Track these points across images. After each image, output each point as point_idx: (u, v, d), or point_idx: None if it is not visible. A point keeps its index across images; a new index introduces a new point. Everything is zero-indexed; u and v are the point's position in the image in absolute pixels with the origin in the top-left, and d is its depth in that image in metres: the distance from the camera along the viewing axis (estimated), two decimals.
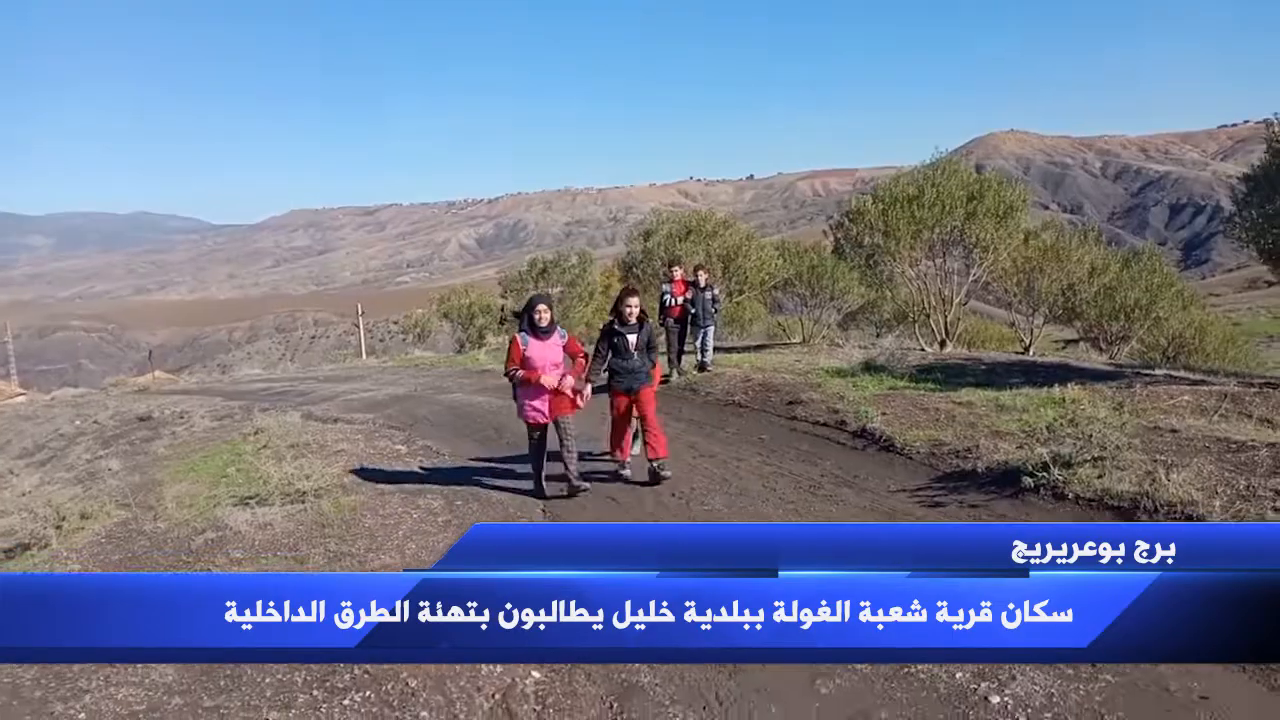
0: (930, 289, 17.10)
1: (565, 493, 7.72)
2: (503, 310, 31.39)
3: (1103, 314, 22.29)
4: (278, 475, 8.35)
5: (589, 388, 7.72)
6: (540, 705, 4.06)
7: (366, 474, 8.82)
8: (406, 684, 4.18)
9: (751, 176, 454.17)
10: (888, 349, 14.23)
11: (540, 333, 7.39)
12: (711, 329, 14.53)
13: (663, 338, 13.50)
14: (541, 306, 7.44)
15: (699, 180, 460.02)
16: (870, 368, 12.63)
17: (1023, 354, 17.71)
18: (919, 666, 4.18)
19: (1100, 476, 6.34)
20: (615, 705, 4.02)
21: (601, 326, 8.19)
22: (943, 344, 16.97)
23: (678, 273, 14.33)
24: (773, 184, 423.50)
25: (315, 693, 4.12)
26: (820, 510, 6.98)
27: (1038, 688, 3.94)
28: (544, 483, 7.89)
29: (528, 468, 9.21)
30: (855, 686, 4.08)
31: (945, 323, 17.21)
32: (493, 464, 9.49)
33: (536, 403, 7.50)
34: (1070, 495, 6.37)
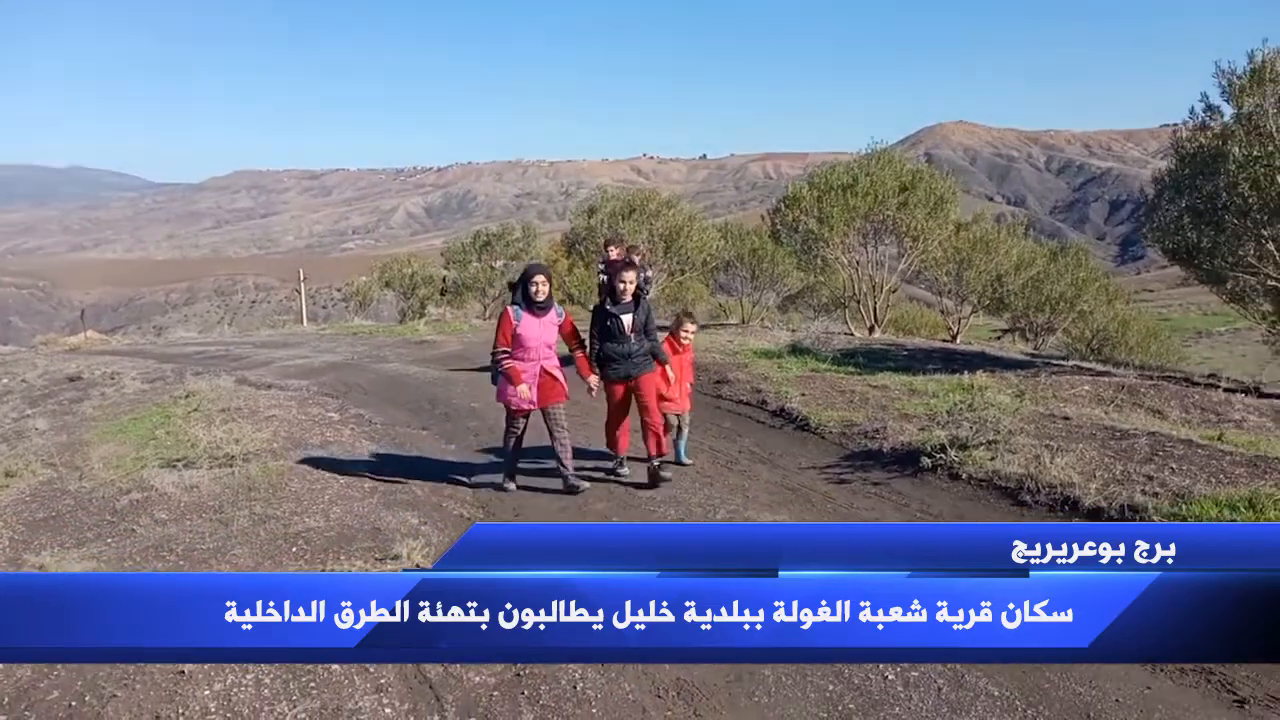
0: (863, 275, 17.56)
1: (563, 489, 7.02)
2: (444, 281, 31.32)
3: (1029, 305, 23.09)
4: (206, 439, 8.45)
5: (595, 378, 7.09)
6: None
7: (296, 440, 8.93)
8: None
9: (704, 156, 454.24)
10: (814, 332, 14.64)
11: (536, 308, 6.65)
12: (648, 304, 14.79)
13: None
14: (539, 277, 6.67)
15: (652, 157, 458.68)
16: (797, 350, 13.02)
17: (948, 342, 18.31)
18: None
19: (992, 459, 6.78)
20: (520, 664, 4.28)
21: (593, 307, 7.32)
22: (872, 329, 17.48)
23: (613, 252, 14.47)
24: (725, 165, 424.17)
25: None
26: (734, 484, 7.31)
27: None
28: (513, 478, 7.18)
29: (459, 438, 9.46)
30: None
31: (875, 309, 17.71)
32: (423, 433, 9.67)
33: (523, 387, 6.78)
34: (964, 475, 6.79)
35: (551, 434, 7.00)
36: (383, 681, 4.01)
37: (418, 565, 5.44)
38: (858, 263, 17.47)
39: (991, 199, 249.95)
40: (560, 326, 6.87)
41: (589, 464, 7.89)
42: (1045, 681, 3.95)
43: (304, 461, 8.02)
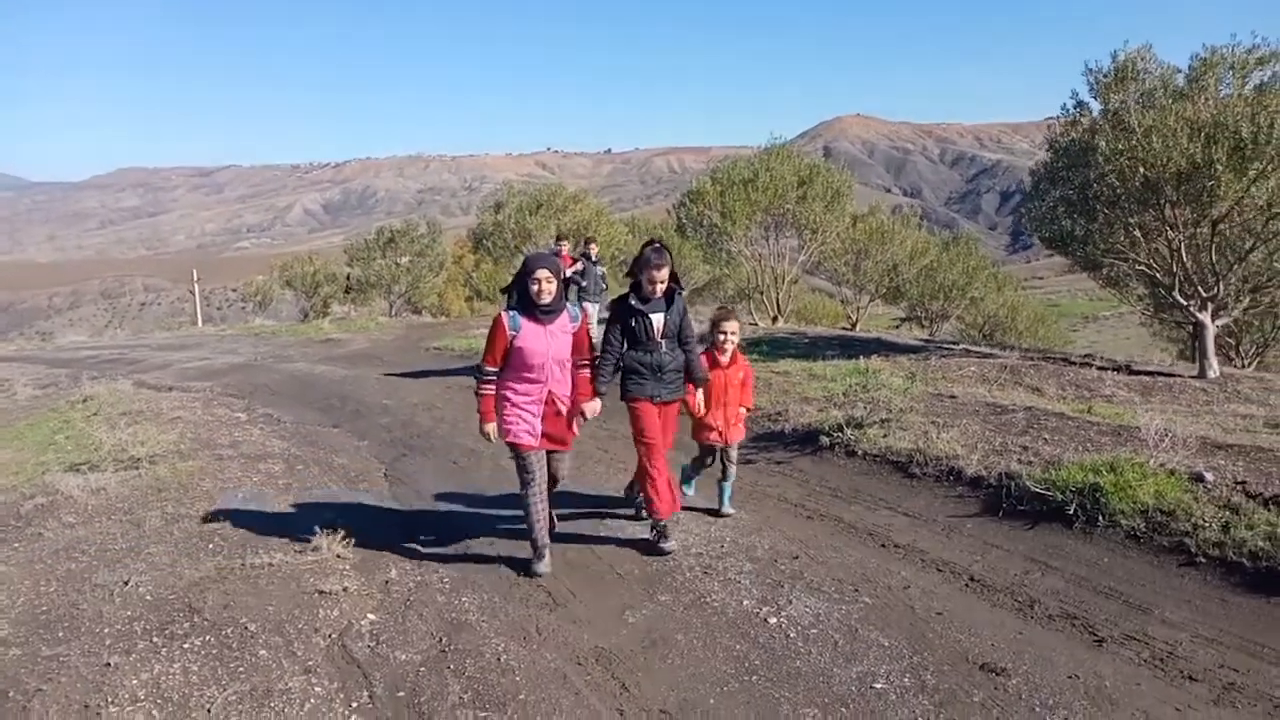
0: (765, 267, 18.08)
1: (527, 568, 5.29)
2: (348, 279, 30.85)
3: (924, 293, 24.08)
4: (110, 441, 8.33)
5: (598, 403, 5.38)
6: (375, 642, 4.45)
7: (204, 441, 8.85)
8: (246, 628, 4.49)
9: (609, 150, 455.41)
10: None
11: (540, 313, 5.03)
12: (598, 306, 13.77)
13: None
14: (543, 273, 5.00)
15: (557, 152, 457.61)
16: (703, 340, 13.36)
17: (848, 330, 19.00)
18: (713, 597, 4.82)
19: (885, 436, 7.23)
20: (444, 639, 4.46)
21: (611, 303, 5.65)
22: (775, 319, 18.01)
23: (565, 246, 14.19)
24: (630, 159, 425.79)
25: (155, 639, 4.38)
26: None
27: (807, 609, 4.64)
28: (543, 554, 5.29)
29: (371, 434, 9.49)
30: (658, 614, 4.67)
31: (778, 299, 18.26)
32: (334, 431, 9.68)
33: (525, 414, 5.13)
34: (859, 452, 7.22)
35: (552, 482, 5.51)
36: (310, 663, 4.15)
37: (338, 556, 5.56)
38: (760, 255, 17.97)
39: (889, 190, 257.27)
40: (575, 335, 5.23)
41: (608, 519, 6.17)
42: (930, 632, 4.33)
43: (214, 461, 7.98)
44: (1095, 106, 11.71)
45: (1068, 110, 12.04)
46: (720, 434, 6.06)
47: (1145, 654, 4.05)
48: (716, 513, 6.23)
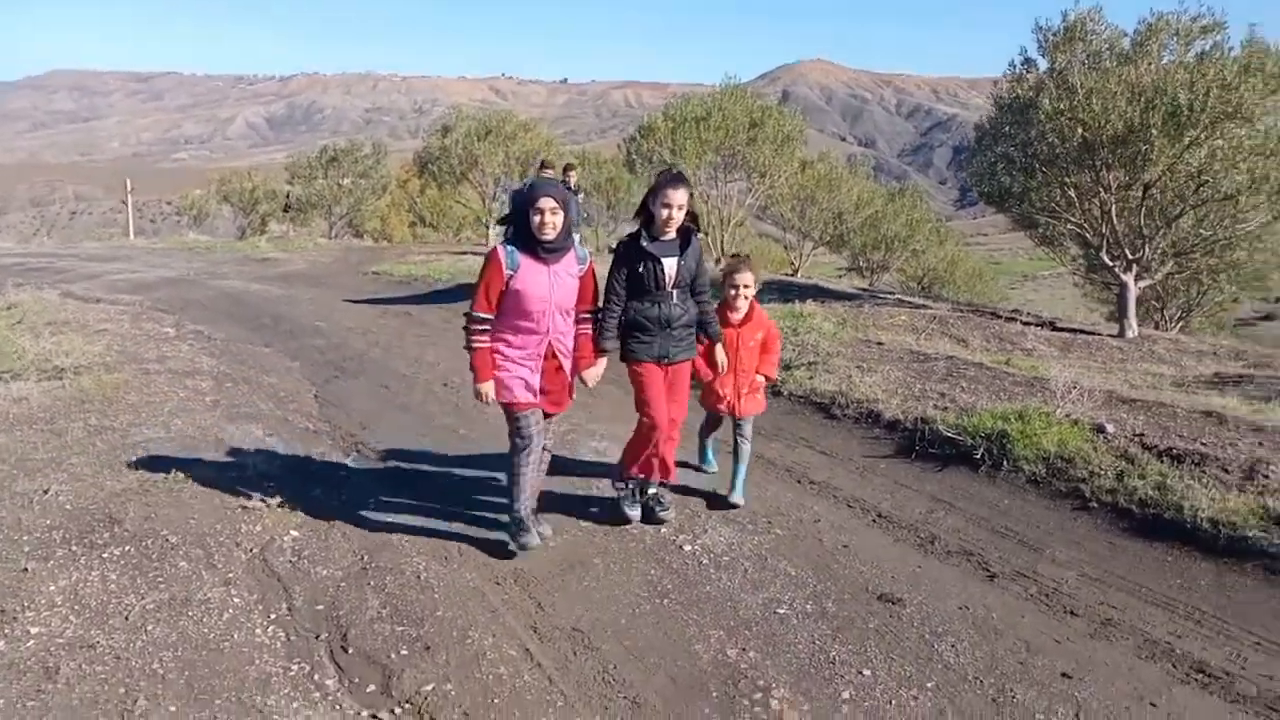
0: (713, 209, 18.12)
1: (512, 540, 4.59)
2: (288, 198, 30.17)
3: (866, 243, 24.36)
4: (34, 350, 8.18)
5: (602, 365, 4.72)
6: (296, 557, 4.52)
7: (131, 354, 8.72)
8: (166, 540, 4.52)
9: (566, 80, 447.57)
10: None
11: (543, 251, 4.29)
12: (578, 237, 13.96)
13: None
14: (547, 202, 4.22)
15: (512, 78, 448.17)
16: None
17: (791, 275, 19.20)
18: (632, 525, 4.97)
19: (811, 378, 7.44)
20: (366, 556, 4.55)
21: (617, 244, 4.98)
22: (719, 261, 18.11)
23: (550, 173, 13.22)
24: (586, 90, 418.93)
25: (74, 547, 4.39)
26: (580, 399, 7.66)
27: (721, 538, 4.81)
28: (529, 528, 4.56)
29: (304, 355, 9.43)
30: (578, 540, 4.80)
31: (723, 241, 18.35)
32: (266, 350, 9.59)
33: (523, 371, 4.42)
34: (785, 393, 7.41)
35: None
36: (230, 575, 4.21)
37: (263, 474, 5.58)
38: (708, 196, 17.99)
39: (844, 139, 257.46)
40: (581, 279, 4.51)
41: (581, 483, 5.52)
42: (835, 563, 4.54)
43: (140, 375, 7.87)
44: (1042, 64, 11.89)
45: (1015, 67, 12.20)
46: (729, 404, 5.25)
47: (1033, 589, 4.30)
48: (724, 501, 5.26)
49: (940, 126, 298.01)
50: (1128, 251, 11.53)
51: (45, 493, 5.01)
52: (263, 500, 5.11)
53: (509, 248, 4.32)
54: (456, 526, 4.91)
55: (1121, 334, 11.26)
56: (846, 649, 3.75)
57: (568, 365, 4.55)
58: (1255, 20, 10.96)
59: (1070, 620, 4.03)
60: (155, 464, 5.59)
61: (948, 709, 3.37)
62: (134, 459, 5.66)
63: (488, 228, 25.96)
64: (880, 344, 8.64)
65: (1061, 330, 11.20)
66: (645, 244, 4.57)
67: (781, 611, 4.06)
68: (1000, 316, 11.50)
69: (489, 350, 4.37)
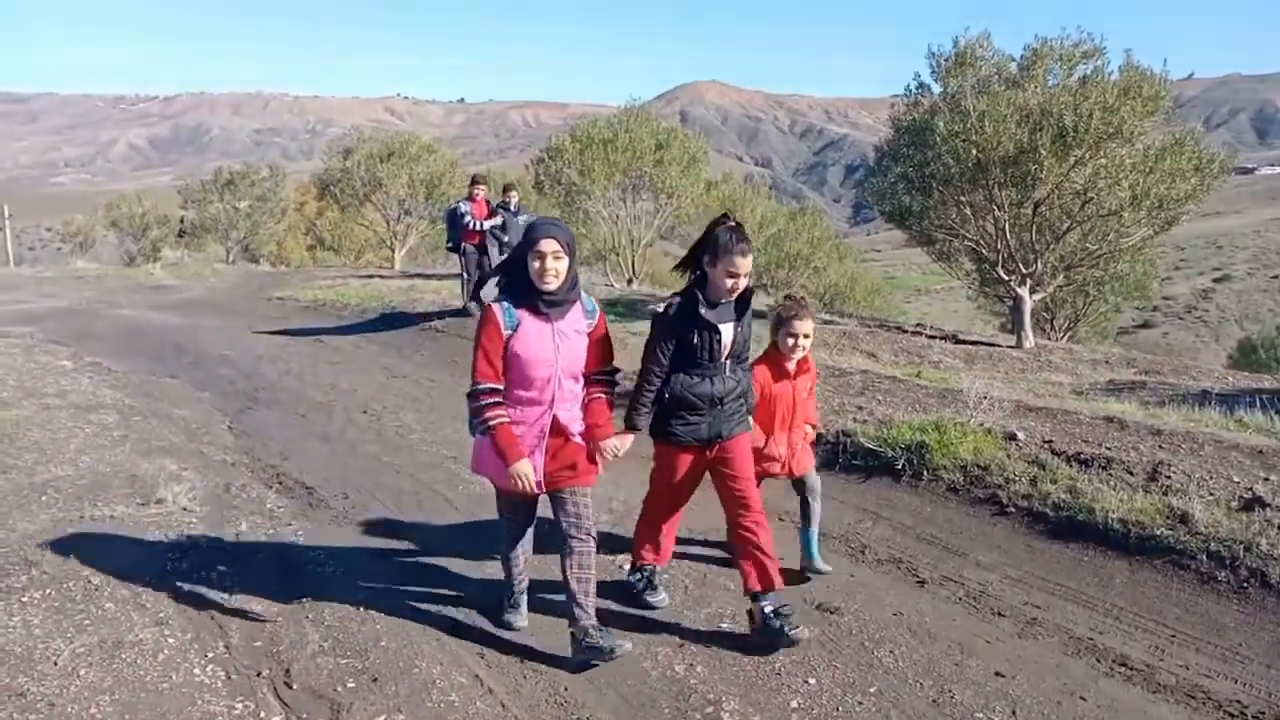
0: (622, 229, 18.28)
1: (576, 647, 3.76)
2: (182, 222, 29.15)
3: (770, 261, 24.91)
4: None
5: (629, 439, 3.95)
6: (229, 594, 4.38)
7: (28, 389, 8.33)
8: (89, 581, 4.34)
9: (463, 100, 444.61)
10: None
11: (543, 304, 3.60)
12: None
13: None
14: (550, 244, 3.51)
15: (407, 98, 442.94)
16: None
17: None
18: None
19: None
20: (302, 589, 4.44)
21: (663, 305, 4.06)
22: (630, 281, 18.28)
23: (480, 191, 12.50)
24: (484, 110, 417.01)
25: None
26: None
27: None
28: (516, 607, 4.15)
29: (212, 385, 9.14)
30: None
31: (634, 261, 18.51)
32: (171, 381, 9.28)
33: (520, 448, 3.69)
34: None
35: (567, 539, 3.80)
36: (161, 615, 4.06)
37: (184, 509, 5.41)
38: (617, 216, 18.14)
39: (741, 159, 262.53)
40: (591, 336, 3.78)
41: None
42: None
43: (41, 411, 7.52)
44: (936, 89, 12.44)
45: (910, 91, 12.73)
46: (784, 464, 4.60)
47: (960, 593, 4.49)
48: (810, 569, 4.69)
49: (833, 146, 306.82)
50: (1021, 266, 12.11)
51: None
52: (186, 537, 4.95)
53: (505, 304, 3.58)
54: (394, 557, 4.86)
55: (1019, 345, 11.82)
56: (791, 659, 3.85)
57: (577, 437, 3.77)
58: (1129, 46, 11.73)
59: (998, 621, 4.23)
60: (67, 503, 5.36)
61: (891, 712, 3.49)
62: (44, 498, 5.41)
63: (392, 250, 25.57)
64: None
65: (964, 343, 11.69)
66: (703, 311, 3.85)
67: (725, 626, 4.15)
68: (905, 330, 11.94)
69: (508, 425, 3.61)
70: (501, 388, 3.63)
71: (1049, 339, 16.33)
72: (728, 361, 3.99)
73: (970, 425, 6.21)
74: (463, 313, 12.33)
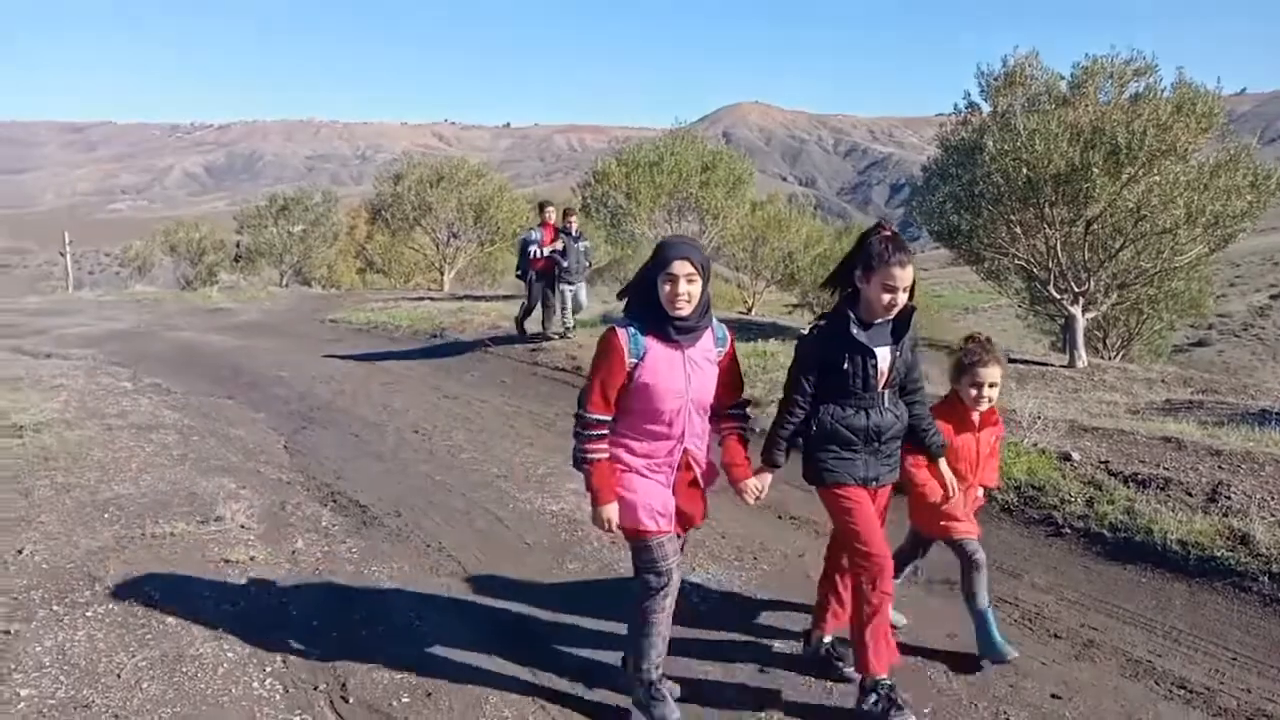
0: None
1: (642, 713, 3.50)
2: (238, 247, 29.86)
3: (817, 280, 24.77)
4: None
5: (767, 477, 3.63)
6: (285, 608, 4.47)
7: (91, 410, 8.56)
8: (150, 596, 4.45)
9: (509, 125, 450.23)
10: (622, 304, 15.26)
11: (674, 330, 3.27)
12: (584, 286, 12.52)
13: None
14: (682, 266, 3.20)
15: (454, 124, 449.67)
16: (607, 320, 13.57)
17: (745, 314, 19.47)
18: (620, 565, 5.01)
19: None
20: (357, 604, 4.51)
21: (808, 327, 3.67)
22: None
23: (550, 214, 12.13)
24: (529, 134, 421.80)
25: (56, 607, 4.29)
26: (552, 444, 7.72)
27: (710, 576, 4.87)
28: (666, 689, 3.55)
29: (267, 406, 9.33)
30: (567, 582, 4.82)
31: None
32: (229, 402, 9.47)
33: (653, 487, 3.39)
34: (758, 429, 7.49)
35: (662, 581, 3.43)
36: (221, 630, 4.15)
37: (242, 526, 5.52)
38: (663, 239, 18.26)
39: (785, 179, 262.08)
40: (721, 365, 3.47)
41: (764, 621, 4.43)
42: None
43: (103, 431, 7.73)
44: (985, 107, 12.35)
45: (959, 109, 12.65)
46: (969, 526, 3.97)
47: (1016, 614, 4.43)
48: (990, 654, 3.90)
49: (877, 165, 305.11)
50: (1074, 284, 11.93)
51: (19, 553, 4.90)
52: (245, 554, 5.05)
53: (630, 330, 3.25)
54: (444, 575, 4.91)
55: (1072, 364, 11.62)
56: (842, 685, 3.82)
57: (702, 476, 3.49)
58: (1182, 62, 11.55)
59: (1054, 643, 4.16)
60: (129, 520, 5.50)
61: None
62: (107, 516, 5.56)
63: (441, 272, 25.94)
64: None
65: (1015, 361, 11.53)
66: (855, 331, 3.40)
67: (776, 648, 4.12)
68: (954, 350, 11.80)
69: (606, 463, 3.32)
70: (609, 419, 3.32)
71: (1102, 358, 16.03)
72: (885, 391, 3.51)
73: (1024, 445, 6.13)
74: (517, 338, 12.51)
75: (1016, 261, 12.75)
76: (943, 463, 3.86)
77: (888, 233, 3.40)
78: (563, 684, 3.78)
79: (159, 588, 4.55)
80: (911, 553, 4.24)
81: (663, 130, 19.18)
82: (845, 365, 3.42)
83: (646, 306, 3.27)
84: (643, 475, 3.35)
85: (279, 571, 4.87)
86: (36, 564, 4.77)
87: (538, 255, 11.82)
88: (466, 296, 19.94)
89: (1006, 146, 11.33)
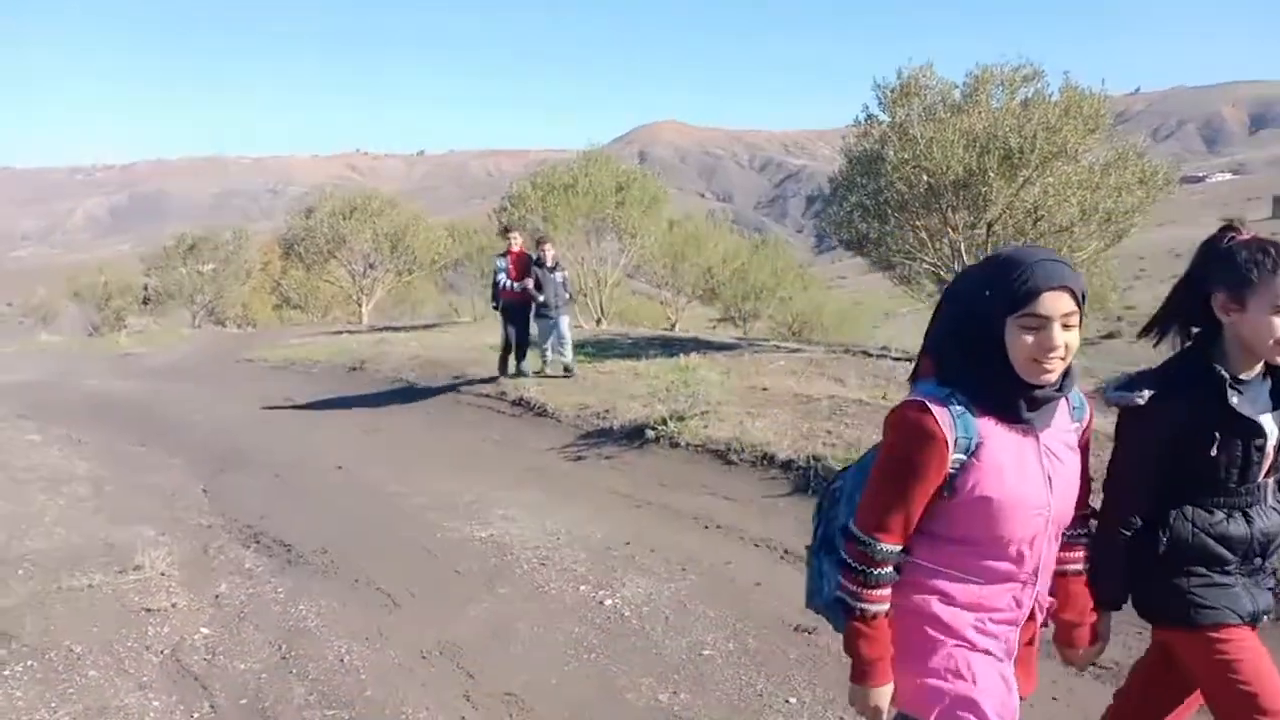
0: (588, 271, 18.48)
1: None
2: (146, 289, 29.03)
3: (737, 294, 25.22)
4: None
5: (1107, 627, 2.31)
6: (211, 654, 4.40)
7: None
8: (70, 650, 4.34)
9: (423, 153, 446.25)
10: None
11: (1028, 406, 1.85)
12: (567, 319, 11.20)
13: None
14: (1062, 302, 1.80)
15: (367, 154, 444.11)
16: (530, 342, 13.58)
17: (668, 330, 19.68)
18: (550, 586, 5.06)
19: (705, 427, 7.71)
20: (284, 646, 4.46)
21: (1144, 391, 2.20)
22: (599, 321, 18.45)
23: (516, 240, 11.17)
24: (445, 161, 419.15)
25: None
26: (478, 472, 7.72)
27: (640, 589, 4.95)
28: None
29: (183, 452, 9.11)
30: (499, 606, 4.85)
31: (601, 301, 18.72)
32: (142, 449, 9.25)
33: (987, 661, 1.92)
34: (682, 443, 7.65)
35: None
36: (145, 680, 4.07)
37: (162, 573, 5.41)
38: (583, 259, 18.35)
39: (702, 195, 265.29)
40: (1081, 453, 2.03)
41: None
42: (750, 601, 4.75)
43: (10, 485, 7.48)
44: (884, 118, 12.77)
45: (859, 122, 13.06)
46: None
47: None
48: None
49: (792, 178, 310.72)
50: None
51: None
52: (167, 601, 4.96)
53: (954, 405, 1.85)
54: (373, 609, 4.89)
55: None
56: (771, 681, 3.93)
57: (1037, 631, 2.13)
58: (1073, 67, 12.16)
59: None
60: (44, 575, 5.34)
61: None
62: (20, 572, 5.39)
63: (359, 305, 25.61)
64: (765, 389, 9.03)
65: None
66: (1233, 399, 2.15)
67: (706, 653, 4.22)
68: (870, 355, 12.11)
69: (885, 624, 1.94)
70: (901, 550, 1.90)
71: None
72: (1269, 481, 2.28)
73: None
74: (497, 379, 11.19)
75: (926, 266, 13.19)
76: None
77: (1250, 235, 2.20)
78: (498, 709, 3.81)
79: (79, 640, 4.43)
80: None
81: (579, 152, 19.35)
82: (1214, 448, 2.17)
83: (978, 365, 1.87)
84: (970, 647, 1.93)
85: (203, 616, 4.79)
86: None
87: (507, 287, 10.78)
88: (386, 328, 19.73)
89: (906, 155, 11.75)
